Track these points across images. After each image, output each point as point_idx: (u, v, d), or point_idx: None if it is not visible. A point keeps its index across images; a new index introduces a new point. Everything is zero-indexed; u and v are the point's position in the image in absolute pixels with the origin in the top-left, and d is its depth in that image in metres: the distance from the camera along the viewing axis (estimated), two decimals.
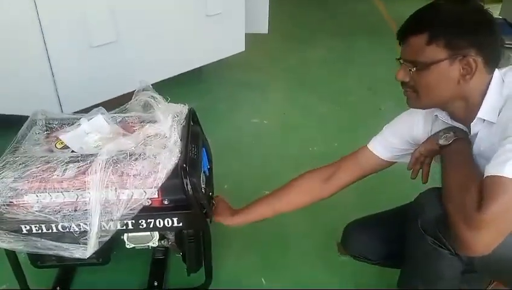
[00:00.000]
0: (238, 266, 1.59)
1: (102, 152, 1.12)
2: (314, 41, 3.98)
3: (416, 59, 0.97)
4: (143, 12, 2.36)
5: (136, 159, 1.13)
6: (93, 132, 1.27)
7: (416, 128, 1.16)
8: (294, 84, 3.19)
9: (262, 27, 3.23)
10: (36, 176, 1.09)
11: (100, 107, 1.36)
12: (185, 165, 1.15)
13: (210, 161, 1.48)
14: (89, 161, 1.11)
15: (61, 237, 1.15)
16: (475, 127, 1.00)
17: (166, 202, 1.18)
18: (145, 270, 1.52)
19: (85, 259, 1.14)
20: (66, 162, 1.12)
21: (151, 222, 1.19)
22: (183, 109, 1.37)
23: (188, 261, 1.34)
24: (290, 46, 3.89)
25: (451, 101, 1.01)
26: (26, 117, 1.35)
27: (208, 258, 1.36)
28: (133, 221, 1.17)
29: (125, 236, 1.25)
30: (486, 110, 0.97)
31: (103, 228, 1.12)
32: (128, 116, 1.38)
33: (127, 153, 1.14)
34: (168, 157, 1.14)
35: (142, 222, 1.19)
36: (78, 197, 1.11)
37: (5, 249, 1.17)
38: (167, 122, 1.24)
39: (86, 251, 1.12)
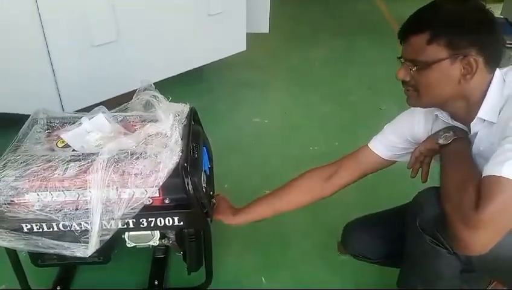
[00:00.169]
0: (238, 265, 1.59)
1: (104, 151, 1.12)
2: (315, 40, 3.98)
3: (417, 58, 0.97)
4: (144, 12, 2.36)
5: (137, 158, 1.13)
6: (95, 131, 1.27)
7: (416, 127, 1.16)
8: (295, 83, 3.19)
9: (263, 26, 3.23)
10: (37, 175, 1.09)
11: (101, 106, 1.36)
12: (186, 164, 1.15)
13: (211, 160, 1.48)
14: (90, 160, 1.11)
15: (62, 235, 1.15)
16: (475, 126, 1.00)
17: (167, 201, 1.19)
18: (145, 269, 1.52)
19: (86, 258, 1.14)
20: (67, 161, 1.12)
21: (152, 221, 1.20)
22: (184, 108, 1.37)
23: (188, 260, 1.34)
24: (291, 45, 3.89)
25: (452, 101, 1.01)
26: (28, 116, 1.35)
27: (208, 258, 1.36)
28: (134, 220, 1.17)
29: (126, 235, 1.26)
30: (486, 110, 0.97)
31: (104, 227, 1.12)
32: (129, 115, 1.38)
33: (128, 152, 1.14)
34: (169, 157, 1.14)
35: (143, 220, 1.19)
36: (79, 196, 1.11)
37: (6, 248, 1.18)
38: (168, 122, 1.24)
39: (87, 249, 1.12)
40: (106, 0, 2.16)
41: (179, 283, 1.49)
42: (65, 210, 1.11)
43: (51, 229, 1.14)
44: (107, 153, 1.12)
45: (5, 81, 1.98)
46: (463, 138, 1.04)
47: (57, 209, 1.11)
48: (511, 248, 0.93)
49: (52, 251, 1.15)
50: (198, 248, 1.31)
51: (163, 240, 1.34)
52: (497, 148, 0.88)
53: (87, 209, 1.10)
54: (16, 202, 1.10)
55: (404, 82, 1.03)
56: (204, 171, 1.35)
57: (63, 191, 1.10)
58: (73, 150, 1.21)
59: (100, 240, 1.12)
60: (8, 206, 1.10)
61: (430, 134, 1.14)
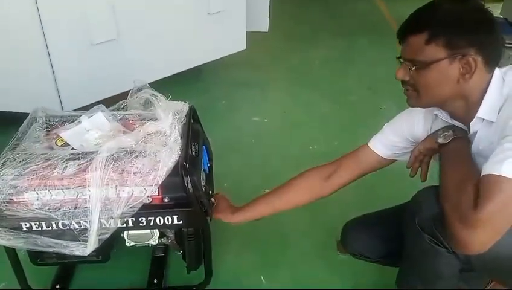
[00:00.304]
0: (237, 264, 1.59)
1: (103, 150, 1.12)
2: (315, 40, 3.98)
3: (416, 58, 0.97)
4: (143, 11, 2.36)
5: (137, 156, 1.13)
6: (94, 130, 1.27)
7: (416, 126, 1.16)
8: (295, 82, 3.19)
9: (263, 25, 3.23)
10: (36, 174, 1.09)
11: (100, 104, 1.36)
12: (185, 163, 1.15)
13: (210, 159, 1.48)
14: (89, 159, 1.12)
15: (61, 234, 1.15)
16: (474, 126, 1.00)
17: (166, 200, 1.19)
18: (145, 268, 1.52)
19: (85, 257, 1.14)
20: (66, 160, 1.12)
21: (151, 220, 1.19)
22: (183, 107, 1.38)
23: (187, 259, 1.34)
24: (291, 45, 3.89)
25: (451, 100, 1.01)
26: (27, 114, 1.35)
27: (207, 256, 1.36)
28: (133, 219, 1.17)
29: (125, 234, 1.26)
30: (485, 110, 0.97)
31: (103, 226, 1.12)
32: (128, 114, 1.38)
33: (127, 151, 1.14)
34: (169, 155, 1.14)
35: (142, 219, 1.19)
36: (78, 194, 1.11)
37: (5, 247, 1.18)
38: (168, 120, 1.24)
39: (86, 248, 1.12)
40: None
41: (178, 281, 1.49)
42: (64, 209, 1.11)
43: (50, 228, 1.14)
44: (106, 152, 1.12)
45: (4, 80, 1.98)
46: (462, 137, 1.04)
47: (56, 208, 1.11)
48: (509, 247, 0.93)
49: (51, 250, 1.15)
50: (197, 246, 1.31)
51: (162, 239, 1.34)
52: (497, 147, 0.88)
53: (86, 207, 1.10)
54: (15, 200, 1.10)
55: (403, 82, 1.03)
56: (204, 170, 1.35)
57: (62, 189, 1.10)
58: (73, 149, 1.21)
59: (99, 239, 1.12)
60: (7, 204, 1.10)
61: (429, 133, 1.14)
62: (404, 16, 1.02)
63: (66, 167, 1.11)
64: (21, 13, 1.93)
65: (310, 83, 3.17)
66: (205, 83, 3.07)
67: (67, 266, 1.51)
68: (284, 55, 3.66)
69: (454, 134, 1.04)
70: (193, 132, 1.32)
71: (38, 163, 1.11)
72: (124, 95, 1.43)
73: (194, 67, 2.84)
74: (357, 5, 5.07)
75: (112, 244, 1.27)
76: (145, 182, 1.12)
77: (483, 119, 0.98)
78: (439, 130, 1.09)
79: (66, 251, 1.14)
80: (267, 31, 3.26)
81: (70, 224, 1.12)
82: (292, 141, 2.41)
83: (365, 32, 4.18)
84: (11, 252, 1.24)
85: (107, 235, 1.13)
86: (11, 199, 1.10)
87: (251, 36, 3.10)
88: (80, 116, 1.32)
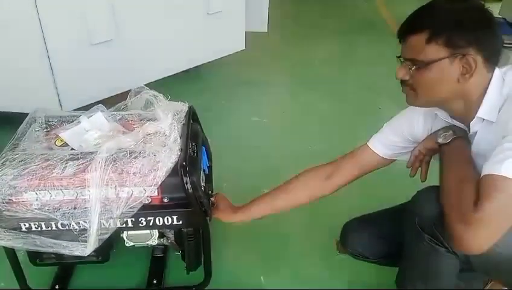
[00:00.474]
0: (237, 264, 1.59)
1: (102, 150, 1.12)
2: (314, 39, 3.98)
3: (415, 58, 0.97)
4: (143, 10, 2.35)
5: (136, 157, 1.13)
6: (93, 130, 1.27)
7: (416, 126, 1.16)
8: (294, 82, 3.19)
9: (262, 26, 3.23)
10: (35, 174, 1.09)
11: (100, 104, 1.36)
12: (184, 163, 1.15)
13: (209, 159, 1.48)
14: (88, 159, 1.11)
15: (60, 235, 1.15)
16: (474, 126, 1.00)
17: (165, 200, 1.18)
18: (144, 268, 1.52)
19: (84, 257, 1.14)
20: (65, 160, 1.12)
21: (150, 220, 1.19)
22: (183, 107, 1.37)
23: (187, 259, 1.34)
24: (291, 44, 3.89)
25: (451, 100, 1.01)
26: (26, 114, 1.35)
27: (207, 257, 1.36)
28: (133, 219, 1.17)
29: (124, 234, 1.26)
30: (485, 110, 0.97)
31: (103, 226, 1.12)
32: (128, 114, 1.37)
33: (126, 151, 1.14)
34: (168, 156, 1.14)
35: (141, 220, 1.19)
36: (77, 195, 1.11)
37: (4, 247, 1.17)
38: (167, 120, 1.24)
39: (86, 248, 1.12)
40: None
41: (177, 282, 1.49)
42: (63, 209, 1.11)
43: (50, 228, 1.14)
44: (105, 152, 1.11)
45: (4, 80, 1.98)
46: (462, 137, 1.04)
47: (55, 208, 1.11)
48: (509, 247, 0.93)
49: (50, 250, 1.14)
50: (197, 247, 1.31)
51: (162, 239, 1.34)
52: (497, 147, 0.88)
53: (85, 208, 1.10)
54: (14, 200, 1.10)
55: (403, 81, 1.03)
56: (203, 170, 1.34)
57: (61, 190, 1.10)
58: (72, 149, 1.21)
59: (99, 239, 1.12)
60: (7, 205, 1.09)
61: (429, 133, 1.14)
62: (404, 15, 1.02)
63: (65, 167, 1.10)
64: (20, 13, 1.93)
65: (309, 82, 3.17)
66: (204, 83, 3.06)
67: (66, 267, 1.51)
68: (283, 55, 3.66)
69: (454, 134, 1.04)
70: (192, 132, 1.32)
71: (37, 163, 1.11)
72: (123, 95, 1.43)
73: (193, 67, 2.84)
74: (356, 5, 5.07)
75: (111, 245, 1.26)
76: (145, 183, 1.11)
77: (483, 119, 0.98)
78: (439, 130, 1.09)
79: (66, 252, 1.13)
80: (266, 31, 3.26)
81: (70, 224, 1.12)
82: (291, 140, 2.41)
83: (365, 31, 4.19)
84: (11, 252, 1.24)
85: (106, 236, 1.13)
86: (10, 199, 1.09)
87: (250, 36, 3.10)
88: (79, 116, 1.32)
